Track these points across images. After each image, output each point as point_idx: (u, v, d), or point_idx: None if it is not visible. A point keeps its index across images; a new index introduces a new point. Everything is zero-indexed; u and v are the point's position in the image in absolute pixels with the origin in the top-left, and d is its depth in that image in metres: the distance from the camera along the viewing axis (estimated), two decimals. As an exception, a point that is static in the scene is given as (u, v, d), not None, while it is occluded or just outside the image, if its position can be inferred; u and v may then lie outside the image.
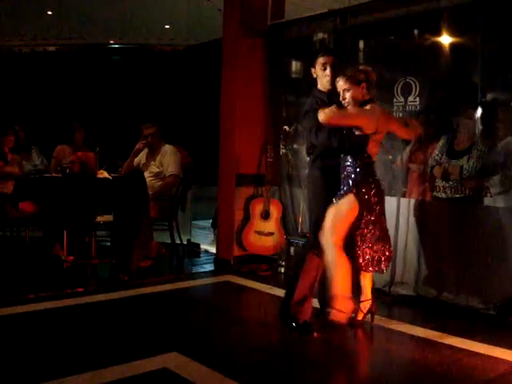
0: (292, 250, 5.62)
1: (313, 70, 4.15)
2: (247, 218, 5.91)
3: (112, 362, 3.28)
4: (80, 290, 4.91)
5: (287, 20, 6.22)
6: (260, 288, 5.21)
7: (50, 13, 9.62)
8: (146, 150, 6.15)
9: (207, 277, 5.76)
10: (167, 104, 9.06)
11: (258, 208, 5.87)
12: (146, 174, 5.81)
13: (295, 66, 6.50)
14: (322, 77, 4.07)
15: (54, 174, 5.75)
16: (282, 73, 6.26)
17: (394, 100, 5.23)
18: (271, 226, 5.88)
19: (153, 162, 6.03)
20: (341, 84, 3.85)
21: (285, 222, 6.01)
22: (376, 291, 4.97)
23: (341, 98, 3.84)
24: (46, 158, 6.34)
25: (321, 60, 4.06)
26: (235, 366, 3.39)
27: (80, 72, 10.34)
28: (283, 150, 6.20)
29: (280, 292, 4.99)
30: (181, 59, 9.57)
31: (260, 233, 5.86)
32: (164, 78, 9.24)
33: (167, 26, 10.00)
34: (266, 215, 5.86)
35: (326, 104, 3.93)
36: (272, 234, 5.88)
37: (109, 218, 5.57)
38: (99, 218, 5.55)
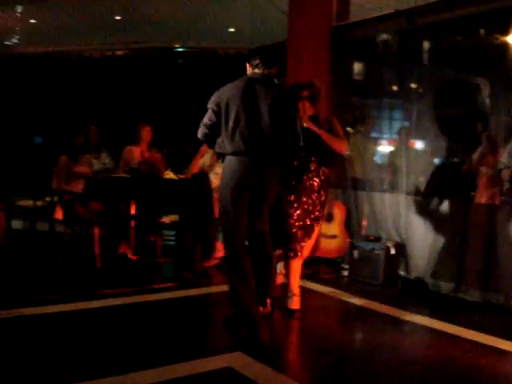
0: (356, 253, 5.57)
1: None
2: (310, 220, 5.88)
3: (178, 359, 3.33)
4: (146, 288, 5.03)
5: (352, 21, 6.18)
6: (322, 291, 5.19)
7: (118, 18, 9.86)
8: (211, 152, 6.21)
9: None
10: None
11: (321, 210, 5.82)
12: (211, 176, 5.87)
13: (360, 67, 6.44)
14: None
15: (122, 174, 5.89)
16: (346, 74, 6.22)
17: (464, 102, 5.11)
18: (334, 228, 5.83)
19: (217, 164, 6.08)
20: None
21: (349, 225, 5.96)
22: (441, 297, 4.94)
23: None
24: (114, 158, 6.50)
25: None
26: (298, 367, 3.39)
27: (147, 75, 10.55)
28: (347, 152, 6.14)
29: (343, 295, 4.98)
30: (245, 62, 9.57)
31: (323, 235, 5.82)
32: (229, 81, 9.29)
33: (232, 30, 10.07)
34: (329, 217, 5.81)
35: None
36: (335, 236, 5.82)
37: (174, 218, 5.67)
38: (165, 218, 5.65)
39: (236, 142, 3.84)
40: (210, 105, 3.96)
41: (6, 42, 10.44)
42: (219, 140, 3.93)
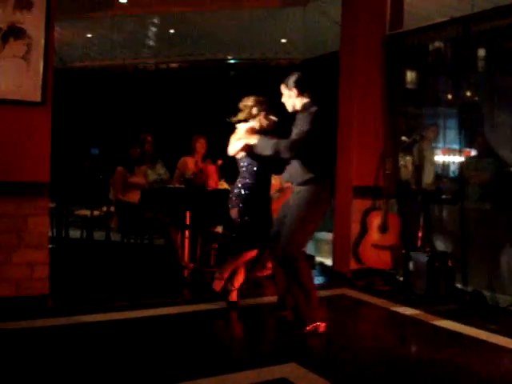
0: (411, 265, 5.47)
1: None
2: (364, 230, 5.83)
3: (232, 369, 3.35)
4: (200, 297, 5.08)
5: (407, 30, 6.11)
6: (376, 302, 5.12)
7: (172, 31, 10.05)
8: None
9: (322, 289, 5.74)
10: (284, 117, 9.14)
11: (375, 221, 5.76)
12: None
13: (414, 75, 6.36)
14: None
15: (177, 185, 5.98)
16: (400, 83, 6.16)
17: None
18: (389, 239, 5.75)
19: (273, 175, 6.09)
20: None
21: (403, 236, 5.87)
22: (500, 310, 4.80)
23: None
24: (169, 169, 6.59)
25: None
26: (352, 379, 3.35)
27: (201, 87, 10.71)
28: (402, 162, 6.08)
29: (398, 308, 4.90)
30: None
31: (377, 246, 5.75)
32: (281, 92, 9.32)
33: (284, 40, 10.13)
34: (383, 228, 5.75)
35: None
36: (390, 247, 5.74)
37: (228, 228, 5.69)
38: (219, 228, 5.68)
39: (325, 168, 4.24)
40: (315, 127, 4.10)
41: (63, 57, 10.76)
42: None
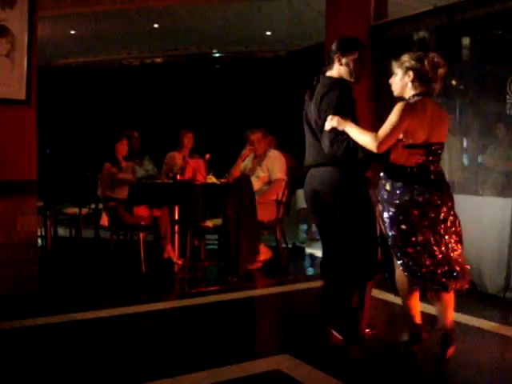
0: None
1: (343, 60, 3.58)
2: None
3: (226, 362, 3.35)
4: (191, 291, 5.09)
5: (391, 20, 6.11)
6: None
7: (156, 26, 10.00)
8: (251, 156, 6.25)
9: (312, 280, 5.76)
10: (271, 109, 9.17)
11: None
12: (253, 179, 5.89)
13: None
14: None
15: (165, 180, 5.97)
16: (385, 74, 6.15)
17: (507, 97, 5.00)
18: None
19: (259, 167, 6.11)
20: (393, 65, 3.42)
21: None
22: (489, 297, 4.78)
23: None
24: (156, 164, 6.58)
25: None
26: (347, 369, 3.36)
27: (186, 82, 10.70)
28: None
29: (388, 297, 4.89)
30: (283, 65, 9.65)
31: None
32: (267, 84, 9.36)
33: (268, 33, 10.12)
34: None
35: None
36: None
37: (217, 221, 5.70)
38: (208, 222, 5.68)
39: None
40: None
41: (47, 54, 10.68)
42: None
